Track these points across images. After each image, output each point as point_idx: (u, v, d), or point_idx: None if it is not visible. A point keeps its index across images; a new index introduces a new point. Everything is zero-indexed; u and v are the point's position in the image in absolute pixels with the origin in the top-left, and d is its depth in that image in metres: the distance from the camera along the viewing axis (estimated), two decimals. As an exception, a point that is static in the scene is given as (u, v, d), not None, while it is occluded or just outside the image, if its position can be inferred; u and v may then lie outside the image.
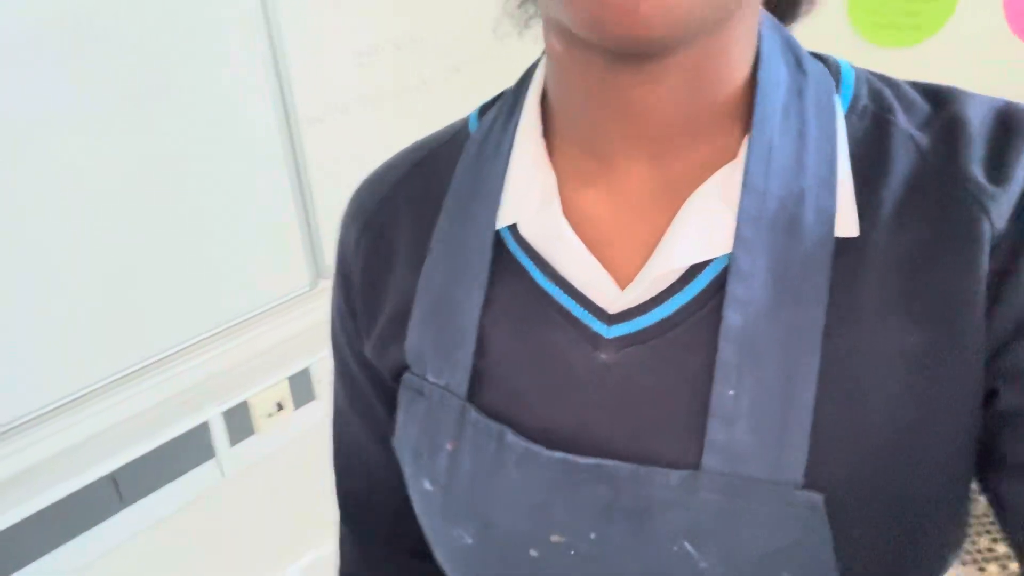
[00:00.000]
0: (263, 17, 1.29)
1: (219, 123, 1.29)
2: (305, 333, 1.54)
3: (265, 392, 1.48)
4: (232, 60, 1.28)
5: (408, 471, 0.50)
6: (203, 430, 1.42)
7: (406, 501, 0.53)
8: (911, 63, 1.82)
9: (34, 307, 1.14)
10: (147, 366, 1.29)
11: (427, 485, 0.48)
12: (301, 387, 1.55)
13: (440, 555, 0.51)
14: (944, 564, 0.45)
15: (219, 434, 1.44)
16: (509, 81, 0.52)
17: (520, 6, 0.50)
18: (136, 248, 1.23)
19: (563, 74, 0.44)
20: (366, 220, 0.54)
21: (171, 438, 1.37)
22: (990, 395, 0.40)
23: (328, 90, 1.42)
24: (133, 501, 1.35)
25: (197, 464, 1.43)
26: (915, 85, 0.44)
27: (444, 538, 0.49)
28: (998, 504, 0.41)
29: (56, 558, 1.26)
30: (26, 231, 1.11)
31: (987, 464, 0.42)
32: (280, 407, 1.51)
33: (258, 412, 1.47)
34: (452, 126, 0.55)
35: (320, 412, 1.61)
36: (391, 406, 0.55)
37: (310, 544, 1.75)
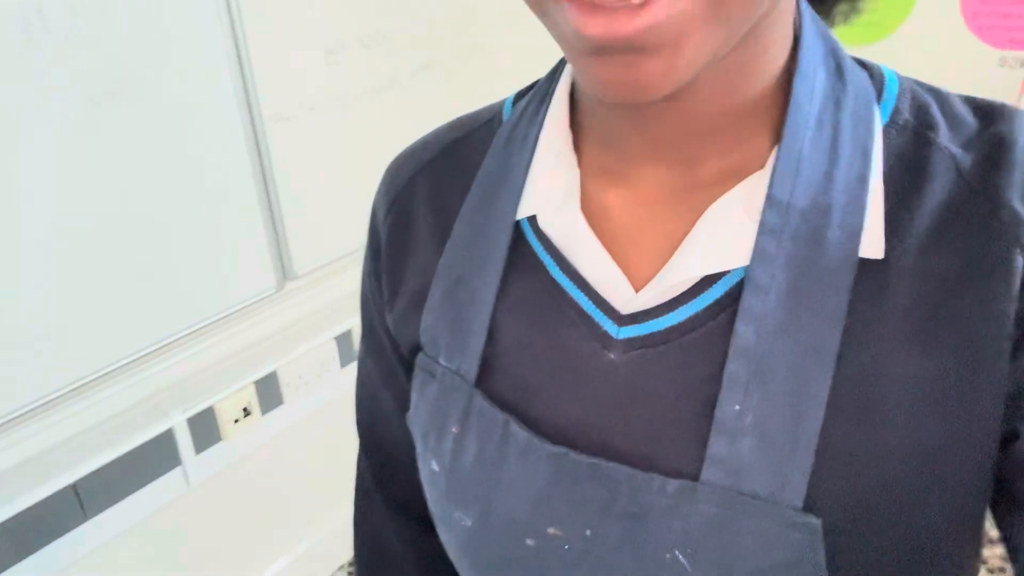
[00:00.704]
0: (227, 13, 1.27)
1: (183, 122, 1.26)
2: (272, 337, 1.52)
3: (231, 397, 1.45)
4: (196, 57, 1.25)
5: (419, 450, 0.51)
6: (168, 437, 1.39)
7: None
8: (872, 57, 1.86)
9: (-10, 313, 1.11)
10: (109, 372, 1.26)
11: (434, 466, 0.49)
12: (268, 392, 1.53)
13: (443, 536, 0.52)
14: None
15: (184, 441, 1.42)
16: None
17: None
18: (96, 250, 1.20)
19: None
20: (395, 195, 0.55)
21: (135, 446, 1.34)
22: (1009, 437, 0.39)
23: (294, 88, 1.40)
24: (96, 512, 1.32)
25: (162, 473, 1.40)
26: (968, 100, 0.42)
27: (447, 519, 0.49)
28: (1011, 548, 0.41)
29: (16, 574, 1.23)
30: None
31: (1003, 507, 0.41)
32: (247, 412, 1.48)
33: (224, 418, 1.45)
34: (490, 108, 0.54)
35: (288, 417, 1.59)
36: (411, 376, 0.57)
37: (278, 553, 1.73)
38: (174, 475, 1.42)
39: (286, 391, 1.56)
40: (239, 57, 1.30)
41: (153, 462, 1.38)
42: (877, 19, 1.82)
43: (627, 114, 0.42)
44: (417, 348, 0.52)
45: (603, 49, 0.33)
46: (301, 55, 1.39)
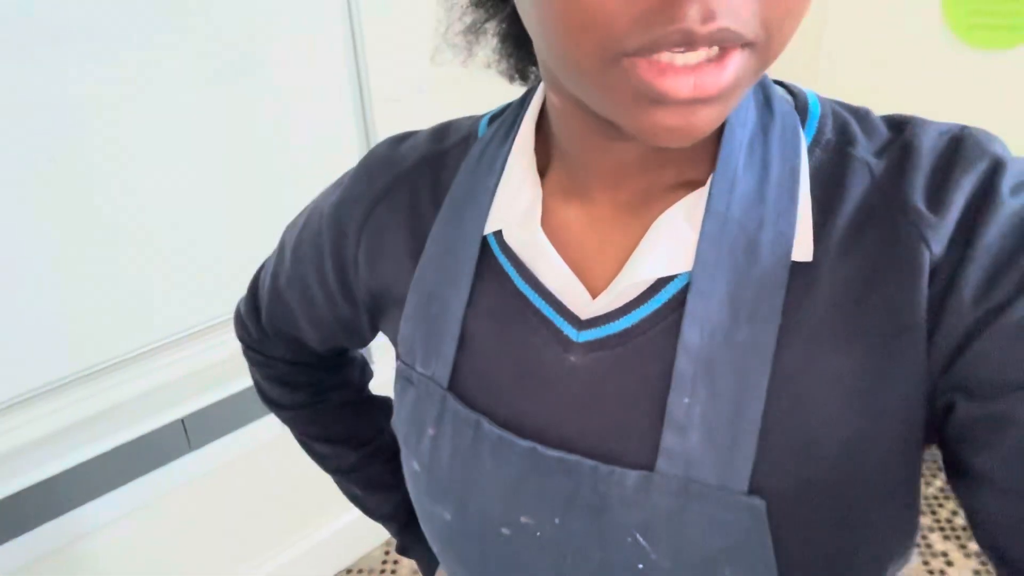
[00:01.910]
0: (344, -1, 1.34)
1: (299, 99, 1.35)
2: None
3: (327, 353, 1.55)
4: (314, 38, 1.34)
5: (402, 452, 0.56)
6: (268, 385, 1.50)
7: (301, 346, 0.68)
8: (1007, 66, 1.75)
9: (122, 262, 1.24)
10: (220, 323, 1.39)
11: (415, 466, 0.53)
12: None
13: (426, 530, 0.57)
14: (884, 573, 0.48)
15: (283, 389, 1.52)
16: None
17: (463, 34, 0.53)
18: (213, 213, 1.32)
19: (562, 123, 0.47)
20: (374, 199, 0.57)
21: (239, 390, 1.46)
22: (948, 409, 0.41)
23: (404, 70, 1.47)
24: (200, 446, 1.46)
25: (261, 415, 1.53)
26: (884, 116, 0.46)
27: (428, 514, 0.54)
28: (967, 513, 0.43)
29: (128, 491, 1.38)
30: (115, 187, 1.20)
31: (954, 475, 0.43)
32: (340, 369, 1.58)
33: (320, 372, 1.55)
34: (467, 125, 0.57)
35: (379, 375, 1.67)
36: (335, 313, 0.62)
37: (363, 497, 1.84)
38: (272, 418, 1.52)
39: (377, 352, 1.64)
40: (354, 38, 1.38)
41: (254, 405, 1.48)
42: (1016, 23, 1.71)
43: (597, 153, 0.46)
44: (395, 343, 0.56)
45: (675, 102, 0.34)
46: (411, 38, 1.45)
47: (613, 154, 0.45)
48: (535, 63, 0.55)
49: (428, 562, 0.82)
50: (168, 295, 1.31)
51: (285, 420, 0.80)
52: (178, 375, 1.38)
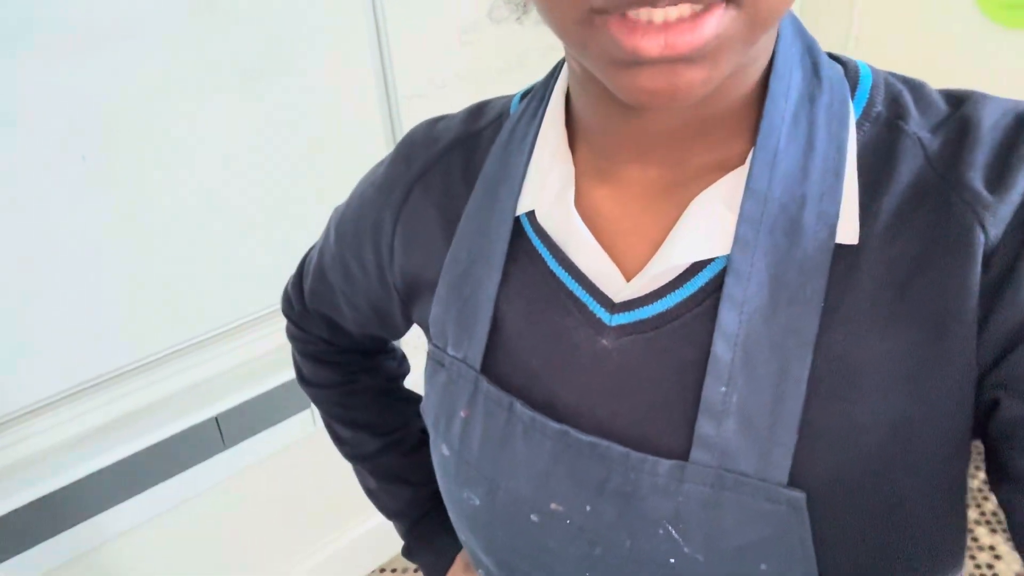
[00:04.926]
0: (368, -4, 1.35)
1: (326, 97, 1.36)
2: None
3: (358, 351, 1.56)
4: (340, 37, 1.35)
5: (431, 436, 0.55)
6: (300, 382, 1.51)
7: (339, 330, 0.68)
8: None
9: (153, 261, 1.26)
10: (255, 319, 1.40)
11: (444, 450, 0.52)
12: (392, 348, 1.62)
13: (452, 515, 0.56)
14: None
15: (314, 387, 1.53)
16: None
17: None
18: (244, 211, 1.33)
19: (582, 89, 0.45)
20: (412, 182, 0.57)
21: (271, 388, 1.47)
22: (993, 406, 0.39)
23: (428, 66, 1.47)
24: (234, 443, 1.47)
25: (293, 413, 1.53)
26: (942, 90, 0.43)
27: (456, 499, 0.53)
28: (1006, 514, 0.41)
29: (164, 489, 1.40)
30: (143, 187, 1.22)
31: (995, 475, 0.41)
32: (371, 366, 1.59)
33: (351, 369, 1.56)
34: (501, 104, 0.56)
35: (413, 374, 1.68)
36: (371, 303, 0.63)
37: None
38: (303, 416, 1.55)
39: (411, 349, 1.64)
40: (379, 37, 1.39)
41: (287, 403, 1.51)
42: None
43: (619, 121, 0.44)
44: (427, 327, 0.56)
45: (649, 61, 0.33)
46: (435, 34, 1.46)
47: (634, 124, 0.43)
48: None
49: (433, 567, 0.80)
50: (201, 293, 1.33)
51: (313, 398, 0.80)
52: (212, 373, 1.39)
